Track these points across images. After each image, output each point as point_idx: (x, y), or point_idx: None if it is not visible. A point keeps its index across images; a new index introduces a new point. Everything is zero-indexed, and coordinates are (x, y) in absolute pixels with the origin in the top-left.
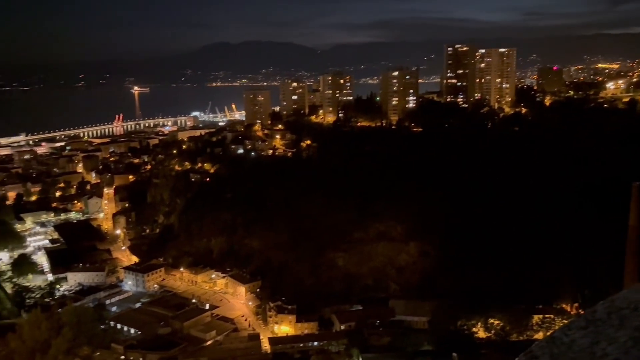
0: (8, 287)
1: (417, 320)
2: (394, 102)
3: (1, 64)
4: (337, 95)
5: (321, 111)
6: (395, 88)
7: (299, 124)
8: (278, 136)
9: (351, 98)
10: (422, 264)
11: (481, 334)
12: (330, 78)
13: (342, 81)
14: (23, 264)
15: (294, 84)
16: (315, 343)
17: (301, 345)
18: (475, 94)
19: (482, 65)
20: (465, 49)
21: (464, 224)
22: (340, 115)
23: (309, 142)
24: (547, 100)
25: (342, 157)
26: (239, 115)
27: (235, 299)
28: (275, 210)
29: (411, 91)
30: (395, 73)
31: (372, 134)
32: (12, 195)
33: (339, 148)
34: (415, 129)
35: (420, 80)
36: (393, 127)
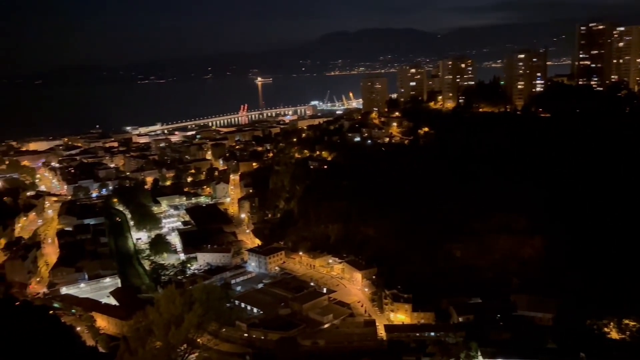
0: (146, 264)
1: (541, 316)
2: (519, 87)
3: (140, 60)
4: (458, 80)
5: (440, 97)
6: (521, 71)
7: (417, 110)
8: (395, 124)
9: (473, 83)
10: (548, 259)
11: (614, 334)
12: (450, 63)
13: (463, 65)
14: (159, 244)
15: (412, 70)
16: (432, 333)
17: (417, 334)
18: (612, 76)
19: (621, 44)
20: (600, 27)
21: (596, 217)
22: (460, 101)
23: (426, 129)
24: None
25: (462, 144)
26: (356, 103)
27: (351, 285)
28: (391, 198)
29: (538, 74)
30: (521, 55)
31: (495, 120)
32: (149, 180)
33: (459, 135)
34: (542, 115)
35: (548, 63)
36: (518, 112)
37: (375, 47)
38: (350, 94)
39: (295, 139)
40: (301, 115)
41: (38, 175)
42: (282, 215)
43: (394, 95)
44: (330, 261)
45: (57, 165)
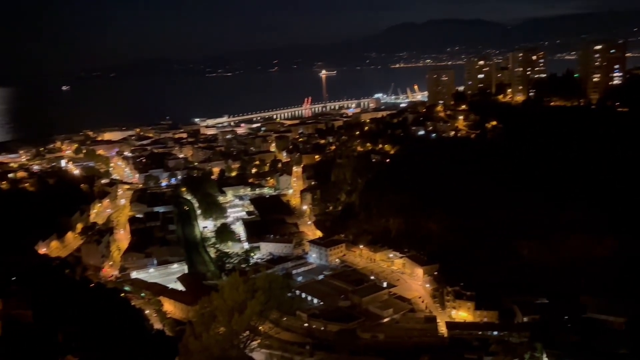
0: (212, 252)
1: (613, 320)
2: (594, 80)
3: (209, 53)
4: (528, 72)
5: (509, 90)
6: (597, 63)
7: (484, 104)
8: (461, 117)
9: (544, 75)
10: (621, 259)
11: None
12: (520, 55)
13: (534, 57)
14: (224, 232)
15: (481, 62)
16: (495, 332)
17: (479, 333)
18: None
19: None
20: None
21: None
22: (531, 94)
23: (494, 123)
24: None
25: (532, 139)
26: (421, 96)
27: (412, 280)
28: (455, 193)
29: (617, 66)
30: (598, 46)
31: (568, 114)
32: (216, 170)
33: (529, 129)
34: (620, 109)
35: (628, 55)
36: (593, 107)
37: (442, 38)
38: (415, 87)
39: (357, 132)
40: (364, 108)
41: (112, 164)
42: (343, 208)
43: (461, 88)
44: (391, 255)
45: (130, 154)
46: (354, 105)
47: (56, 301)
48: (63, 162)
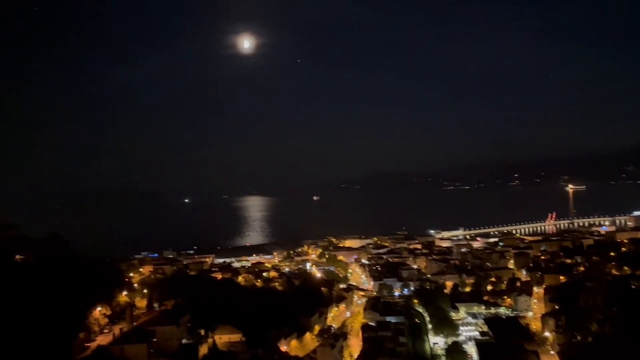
0: None
1: None
2: None
3: (446, 166)
4: None
5: None
6: None
7: None
8: None
9: None
10: None
11: None
12: None
13: None
14: (455, 352)
15: None
16: None
17: None
18: None
19: None
20: None
21: None
22: None
23: None
24: None
25: None
26: None
27: None
28: None
29: None
30: None
31: None
32: (449, 284)
33: None
34: None
35: None
36: None
37: None
38: None
39: (612, 253)
40: (620, 227)
41: (350, 270)
42: (594, 339)
43: None
44: None
45: (367, 262)
46: (607, 223)
47: None
48: (308, 265)
